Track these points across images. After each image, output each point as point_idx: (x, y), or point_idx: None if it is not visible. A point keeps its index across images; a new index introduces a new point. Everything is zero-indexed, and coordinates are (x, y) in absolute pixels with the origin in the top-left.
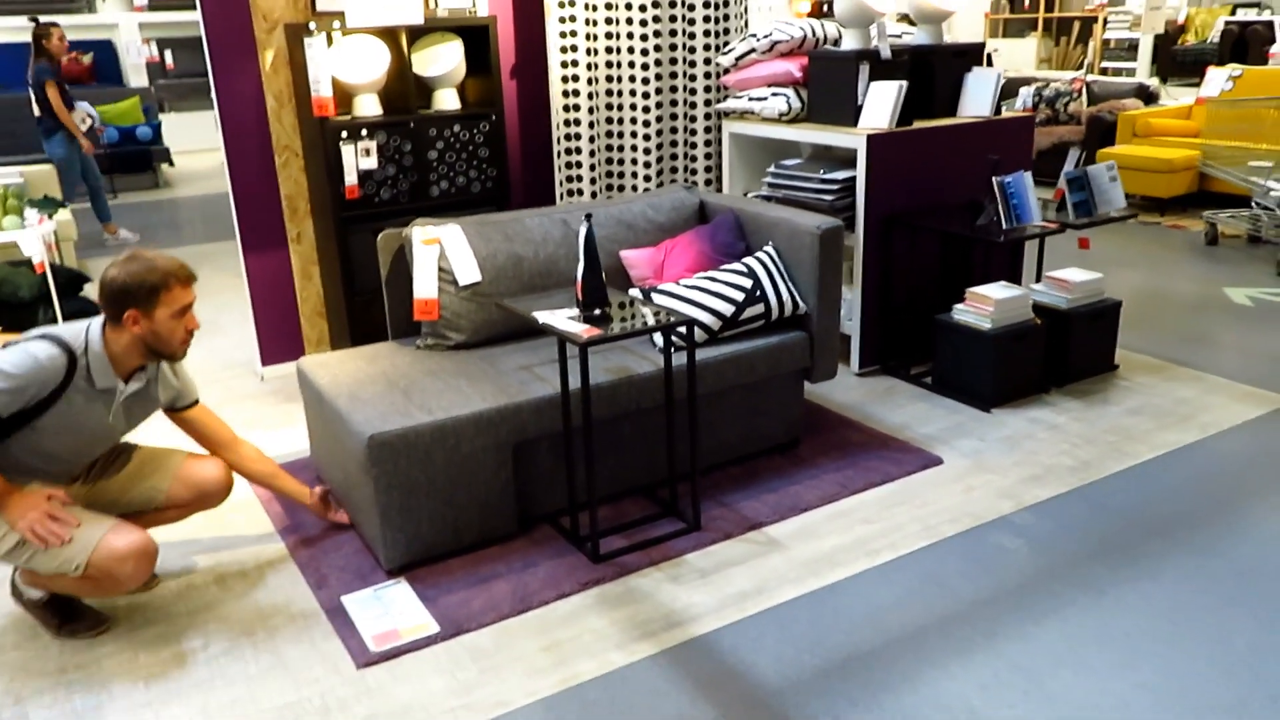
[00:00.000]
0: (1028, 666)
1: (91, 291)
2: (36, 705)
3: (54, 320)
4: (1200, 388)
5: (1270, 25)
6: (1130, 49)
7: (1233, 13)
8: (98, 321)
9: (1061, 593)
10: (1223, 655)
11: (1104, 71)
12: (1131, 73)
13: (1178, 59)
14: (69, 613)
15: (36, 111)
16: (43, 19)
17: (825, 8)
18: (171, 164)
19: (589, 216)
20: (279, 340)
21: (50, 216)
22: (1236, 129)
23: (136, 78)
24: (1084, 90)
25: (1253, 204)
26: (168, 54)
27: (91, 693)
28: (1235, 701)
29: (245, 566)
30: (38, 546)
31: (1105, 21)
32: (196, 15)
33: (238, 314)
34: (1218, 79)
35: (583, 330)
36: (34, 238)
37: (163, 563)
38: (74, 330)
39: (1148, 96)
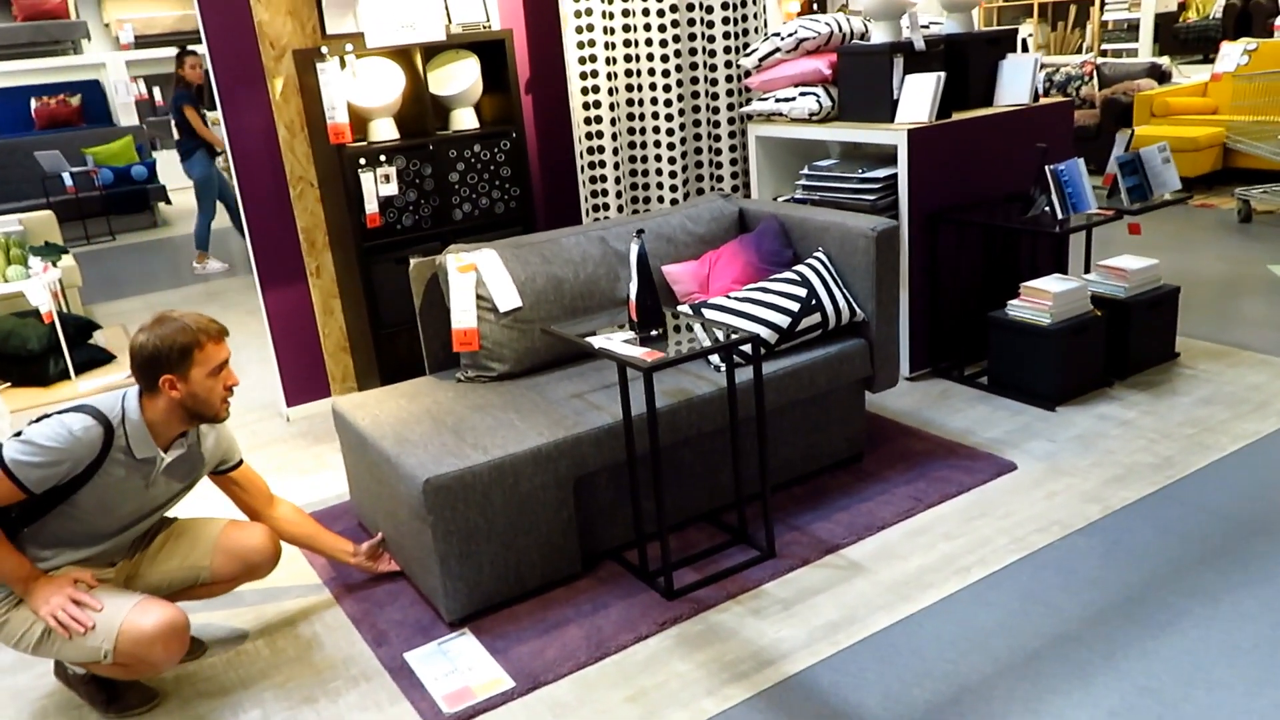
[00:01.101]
0: (1156, 689)
1: (101, 339)
2: None
3: (66, 371)
4: (1269, 372)
5: None
6: (1130, 29)
7: None
8: (134, 390)
9: (1174, 603)
10: None
11: (1104, 53)
12: (1134, 53)
13: (1180, 37)
14: (116, 689)
15: (176, 135)
16: (50, 60)
17: (815, 7)
18: (169, 202)
19: (640, 233)
20: (303, 379)
21: (54, 264)
22: (1259, 103)
23: (126, 116)
24: (1095, 73)
25: None
26: (156, 91)
27: None
28: None
29: (295, 624)
30: (61, 635)
31: (1103, 4)
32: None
33: (254, 352)
34: (1233, 54)
35: (644, 354)
36: (39, 287)
37: (208, 626)
38: (109, 400)
39: (1160, 76)
